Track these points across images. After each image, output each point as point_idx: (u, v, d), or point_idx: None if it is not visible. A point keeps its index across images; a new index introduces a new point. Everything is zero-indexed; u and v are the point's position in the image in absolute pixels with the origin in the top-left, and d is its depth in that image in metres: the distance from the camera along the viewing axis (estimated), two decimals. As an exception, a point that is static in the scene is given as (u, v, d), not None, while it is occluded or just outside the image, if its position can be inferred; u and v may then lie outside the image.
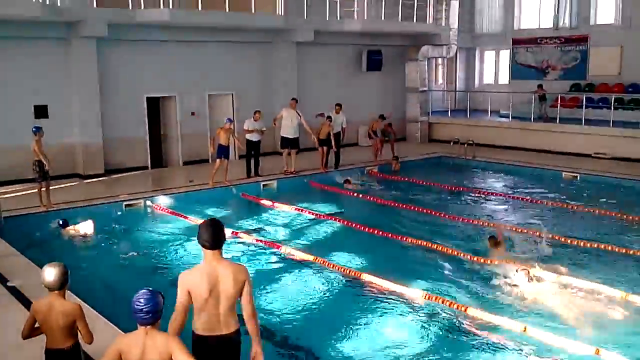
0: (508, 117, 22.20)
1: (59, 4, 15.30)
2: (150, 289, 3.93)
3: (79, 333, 4.82)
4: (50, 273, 4.66)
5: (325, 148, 17.11)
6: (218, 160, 14.91)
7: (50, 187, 12.73)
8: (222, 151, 14.92)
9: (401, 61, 23.07)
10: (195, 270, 4.49)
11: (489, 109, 22.69)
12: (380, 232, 11.49)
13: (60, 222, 11.50)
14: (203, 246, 4.46)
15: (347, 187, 15.59)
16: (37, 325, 4.82)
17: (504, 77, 26.15)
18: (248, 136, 15.88)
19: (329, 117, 17.33)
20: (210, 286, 4.38)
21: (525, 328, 7.18)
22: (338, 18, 20.23)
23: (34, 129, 12.43)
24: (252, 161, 16.12)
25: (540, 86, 22.05)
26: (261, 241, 11.02)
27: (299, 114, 16.65)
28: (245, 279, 4.51)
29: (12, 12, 14.00)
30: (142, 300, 3.83)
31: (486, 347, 6.97)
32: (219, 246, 4.48)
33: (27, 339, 4.93)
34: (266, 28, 18.92)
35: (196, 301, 4.41)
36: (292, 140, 16.55)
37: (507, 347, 6.91)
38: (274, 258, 10.32)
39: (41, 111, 15.65)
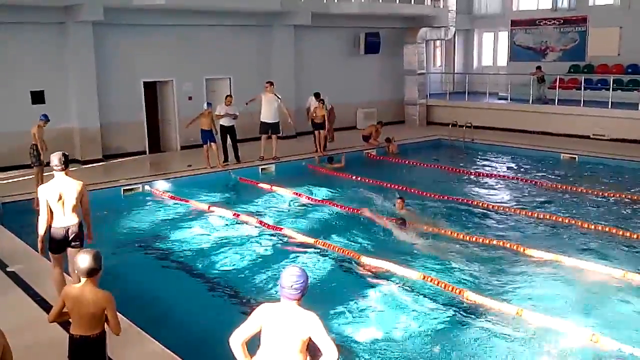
0: (507, 99, 22.13)
1: (54, -12, 15.20)
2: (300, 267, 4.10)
3: (105, 323, 4.78)
4: (84, 259, 4.63)
5: (320, 132, 17.06)
6: (205, 145, 14.98)
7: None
8: (207, 136, 14.96)
9: (399, 44, 22.93)
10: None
11: (488, 91, 22.60)
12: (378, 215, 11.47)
13: None
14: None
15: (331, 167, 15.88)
16: (65, 310, 4.78)
17: (503, 59, 26.03)
18: (221, 121, 15.61)
19: (322, 100, 17.24)
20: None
21: (520, 311, 7.20)
22: (336, 0, 20.09)
23: (42, 117, 12.46)
24: (231, 146, 15.90)
25: (538, 68, 21.95)
26: (261, 223, 11.04)
27: (277, 97, 16.25)
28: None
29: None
30: (294, 277, 3.96)
31: (481, 329, 6.99)
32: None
33: (54, 322, 4.94)
34: (264, 11, 18.79)
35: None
36: (272, 124, 16.17)
37: (502, 330, 6.93)
38: (273, 240, 10.34)
39: (38, 97, 15.58)
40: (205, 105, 15.30)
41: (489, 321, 7.10)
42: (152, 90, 17.81)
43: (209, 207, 12.18)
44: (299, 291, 3.93)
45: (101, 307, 4.67)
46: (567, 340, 6.65)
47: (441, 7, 22.98)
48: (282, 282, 3.95)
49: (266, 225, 10.95)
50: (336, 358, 3.83)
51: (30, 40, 15.40)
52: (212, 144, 14.99)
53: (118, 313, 4.83)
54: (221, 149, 15.68)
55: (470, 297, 7.68)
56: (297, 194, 13.18)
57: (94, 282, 4.71)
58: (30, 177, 13.00)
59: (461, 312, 7.44)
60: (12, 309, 7.10)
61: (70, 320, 4.80)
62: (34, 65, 15.51)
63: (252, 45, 19.36)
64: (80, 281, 4.74)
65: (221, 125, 15.67)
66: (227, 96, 16.06)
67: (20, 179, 14.05)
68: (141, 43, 16.96)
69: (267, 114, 16.10)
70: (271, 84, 16.40)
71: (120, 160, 16.44)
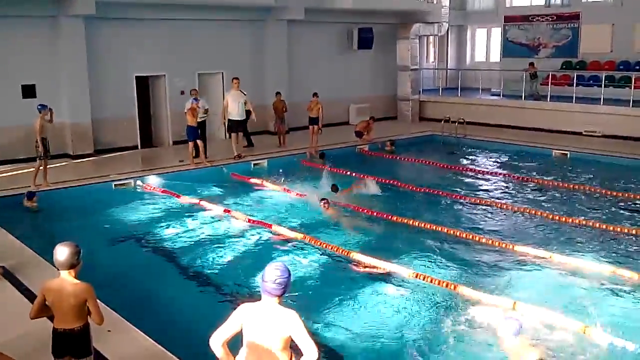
0: (499, 95, 22.16)
1: (45, -18, 15.11)
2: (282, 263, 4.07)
3: (88, 315, 4.77)
4: (62, 252, 4.60)
5: (315, 127, 17.05)
6: (190, 143, 14.87)
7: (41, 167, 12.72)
8: (192, 132, 14.87)
9: (392, 39, 22.92)
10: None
11: (480, 87, 22.63)
12: (371, 212, 11.49)
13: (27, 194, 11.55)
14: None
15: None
16: (47, 304, 4.74)
17: (496, 55, 26.07)
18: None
19: (315, 94, 17.23)
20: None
21: (514, 304, 7.22)
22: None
23: (38, 107, 12.51)
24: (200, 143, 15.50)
25: (531, 64, 22.02)
26: (251, 220, 11.00)
27: (243, 93, 15.99)
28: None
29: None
30: (278, 271, 3.95)
31: (476, 324, 7.00)
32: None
33: (35, 318, 4.85)
34: (257, 6, 18.73)
35: None
36: (239, 122, 15.88)
37: (496, 324, 6.93)
38: (262, 236, 10.32)
39: (29, 91, 15.47)
40: (191, 100, 15.18)
41: (483, 315, 7.10)
42: (144, 85, 17.74)
43: (199, 201, 12.15)
44: (282, 286, 3.92)
45: (82, 299, 4.66)
46: (560, 333, 6.69)
47: (434, 2, 22.96)
48: (265, 277, 3.94)
49: (255, 222, 10.91)
50: (316, 358, 3.84)
51: (21, 33, 15.28)
52: (197, 140, 14.92)
53: (101, 303, 4.80)
54: (192, 146, 15.21)
55: (464, 292, 7.68)
56: (287, 190, 13.11)
57: (73, 274, 4.68)
58: (23, 171, 12.95)
59: (455, 308, 7.46)
60: (4, 304, 7.07)
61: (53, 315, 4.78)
62: (25, 59, 15.40)
63: (245, 40, 19.30)
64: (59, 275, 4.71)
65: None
66: (191, 90, 15.93)
67: (10, 173, 13.97)
68: (133, 37, 16.87)
69: (234, 111, 15.80)
70: (238, 79, 16.08)
71: (111, 155, 16.37)
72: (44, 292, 4.73)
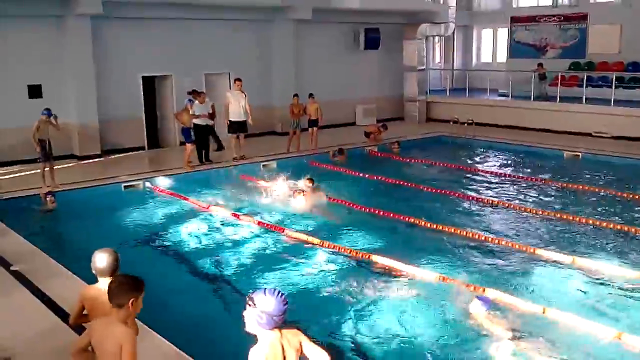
0: (507, 96, 22.01)
1: (53, -20, 14.96)
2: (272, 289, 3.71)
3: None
4: (102, 259, 4.54)
5: (314, 129, 16.86)
6: (188, 144, 14.57)
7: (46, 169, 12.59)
8: (188, 134, 14.62)
9: (399, 40, 22.77)
10: None
11: (488, 88, 22.48)
12: (383, 212, 11.30)
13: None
14: None
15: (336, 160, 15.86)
16: (84, 312, 4.70)
17: (502, 56, 25.95)
18: (195, 121, 14.84)
19: (312, 95, 17.03)
20: None
21: (544, 309, 7.05)
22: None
23: (43, 112, 12.54)
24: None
25: (540, 65, 21.89)
26: (261, 223, 10.81)
27: (244, 94, 15.59)
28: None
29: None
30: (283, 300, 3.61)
31: (504, 329, 6.83)
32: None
33: (75, 325, 4.83)
34: (264, 6, 18.58)
35: None
36: (240, 123, 15.48)
37: (525, 330, 6.77)
38: (271, 239, 10.12)
39: (35, 91, 15.33)
40: (185, 101, 15.00)
41: (511, 319, 6.94)
42: (150, 85, 17.56)
43: (208, 204, 11.96)
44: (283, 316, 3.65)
45: None
46: (592, 339, 6.53)
47: (441, 2, 22.82)
48: (274, 311, 3.58)
49: (264, 224, 10.73)
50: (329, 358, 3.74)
51: (27, 33, 15.13)
52: (188, 144, 14.63)
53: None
54: (197, 150, 15.08)
55: (490, 294, 7.50)
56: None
57: None
58: (31, 172, 12.83)
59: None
60: (19, 308, 6.89)
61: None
62: (31, 59, 15.25)
63: (252, 40, 19.15)
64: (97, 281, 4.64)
65: (196, 125, 14.91)
66: (200, 93, 15.39)
67: (20, 174, 13.83)
68: (140, 37, 16.72)
69: (236, 113, 15.47)
70: (240, 80, 15.71)
71: (119, 156, 16.20)
72: (82, 299, 4.68)
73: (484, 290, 7.52)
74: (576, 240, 9.95)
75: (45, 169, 12.55)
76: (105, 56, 16.14)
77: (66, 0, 15.12)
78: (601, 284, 8.14)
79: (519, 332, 6.62)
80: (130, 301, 3.95)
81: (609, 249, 9.53)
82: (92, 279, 4.74)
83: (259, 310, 3.56)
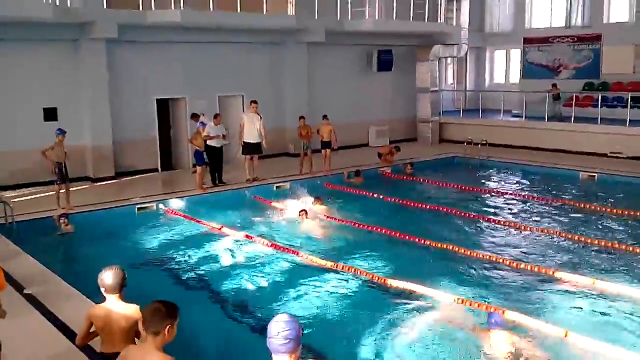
0: (520, 117, 21.91)
1: (69, 5, 15.09)
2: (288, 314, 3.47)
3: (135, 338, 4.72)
4: (109, 276, 4.60)
5: (327, 151, 16.81)
6: (199, 167, 14.57)
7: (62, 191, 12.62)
8: (200, 157, 14.63)
9: (412, 61, 22.78)
10: None
11: (502, 109, 22.40)
12: (398, 234, 11.21)
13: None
14: None
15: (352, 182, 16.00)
16: (92, 330, 4.74)
17: (515, 77, 25.89)
18: (210, 142, 14.82)
19: (325, 116, 17.02)
20: None
21: (566, 333, 6.90)
22: (349, 18, 19.99)
23: (57, 132, 12.63)
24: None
25: (554, 85, 21.79)
26: (274, 246, 10.72)
27: (259, 116, 15.55)
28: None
29: (24, 14, 13.76)
30: (282, 323, 3.33)
31: (525, 353, 6.70)
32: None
33: (82, 344, 4.88)
34: (277, 28, 18.67)
35: None
36: (254, 145, 15.42)
37: (547, 353, 6.63)
38: (285, 261, 10.06)
39: (50, 114, 15.44)
40: (198, 124, 15.08)
41: (532, 343, 6.80)
42: (164, 108, 17.65)
43: (221, 226, 11.89)
44: (289, 341, 3.29)
45: (133, 320, 4.61)
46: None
47: (454, 24, 22.85)
48: (270, 332, 3.32)
49: (278, 247, 10.65)
50: None
51: (43, 57, 15.29)
52: (198, 167, 14.64)
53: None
54: (210, 172, 15.05)
55: (509, 316, 7.37)
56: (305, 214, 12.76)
57: (120, 297, 4.68)
58: (45, 194, 12.86)
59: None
60: (32, 332, 6.84)
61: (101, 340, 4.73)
62: (47, 82, 15.39)
63: (266, 63, 19.23)
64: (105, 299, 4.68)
65: (210, 147, 14.91)
66: (216, 115, 15.43)
67: (34, 196, 13.86)
68: (154, 60, 16.84)
69: (251, 135, 15.43)
70: (256, 102, 15.73)
71: (132, 177, 16.23)
72: (90, 318, 4.70)
73: (503, 312, 7.40)
74: (595, 262, 9.80)
75: (61, 191, 12.62)
76: (120, 79, 16.25)
77: (82, 24, 15.28)
78: (620, 306, 7.99)
79: (540, 356, 6.47)
80: (167, 328, 3.79)
81: (629, 271, 9.37)
82: (100, 299, 4.73)
83: (267, 336, 3.37)
